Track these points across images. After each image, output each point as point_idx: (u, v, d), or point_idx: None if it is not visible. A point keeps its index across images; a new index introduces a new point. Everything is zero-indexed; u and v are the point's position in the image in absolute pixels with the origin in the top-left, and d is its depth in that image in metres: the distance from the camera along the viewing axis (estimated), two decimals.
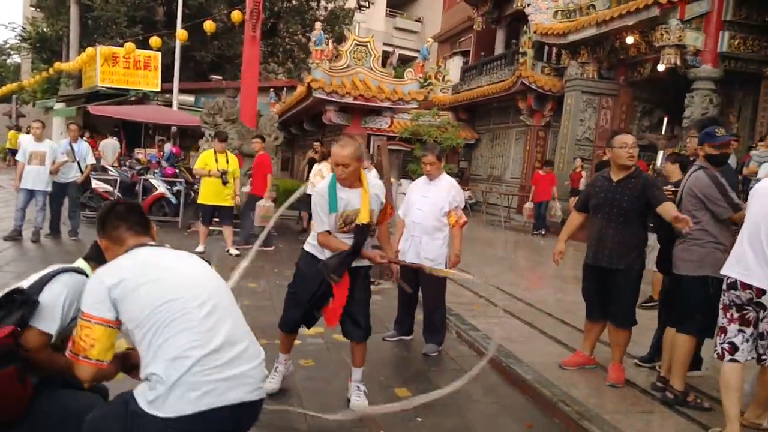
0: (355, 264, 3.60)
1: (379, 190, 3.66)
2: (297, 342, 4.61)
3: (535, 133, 16.11)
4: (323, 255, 3.59)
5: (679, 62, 11.04)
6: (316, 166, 10.12)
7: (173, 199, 11.57)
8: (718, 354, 3.40)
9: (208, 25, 15.88)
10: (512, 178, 17.27)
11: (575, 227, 4.50)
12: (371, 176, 3.70)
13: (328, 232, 3.54)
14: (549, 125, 15.87)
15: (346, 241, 3.53)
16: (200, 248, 8.39)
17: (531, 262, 9.67)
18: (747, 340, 3.33)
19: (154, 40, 17.38)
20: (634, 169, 4.11)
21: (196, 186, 12.07)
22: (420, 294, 5.01)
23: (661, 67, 11.42)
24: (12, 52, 41.05)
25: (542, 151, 16.09)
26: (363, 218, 3.50)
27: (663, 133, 13.48)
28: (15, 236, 8.32)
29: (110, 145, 15.20)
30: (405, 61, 22.88)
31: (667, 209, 3.78)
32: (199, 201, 8.59)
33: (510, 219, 15.10)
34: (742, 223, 3.44)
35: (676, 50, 10.95)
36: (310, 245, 3.72)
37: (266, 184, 9.21)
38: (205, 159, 8.46)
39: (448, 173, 5.18)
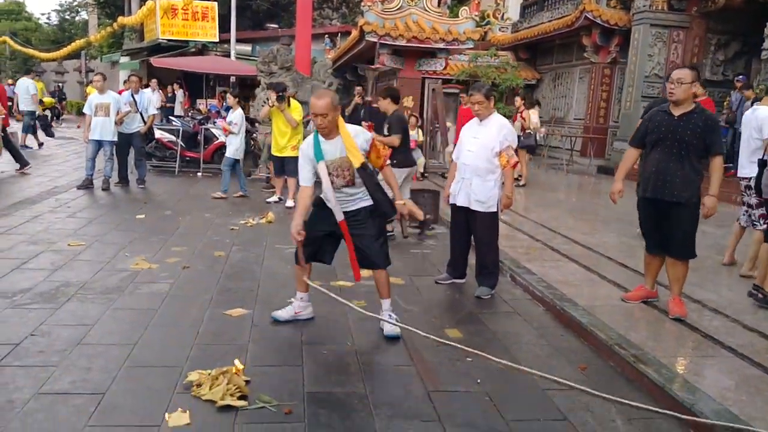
0: (350, 207, 3.74)
1: (357, 137, 3.69)
2: (350, 284, 4.72)
3: (600, 70, 15.37)
4: (330, 203, 3.73)
5: None
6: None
7: None
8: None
9: None
10: (575, 119, 16.64)
11: (632, 164, 4.50)
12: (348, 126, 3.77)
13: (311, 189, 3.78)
14: (615, 62, 15.09)
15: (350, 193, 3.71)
16: (275, 198, 8.56)
17: (592, 206, 9.38)
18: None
19: None
20: (695, 106, 4.12)
21: (255, 135, 12.25)
22: (473, 238, 4.96)
23: None
24: (80, 10, 42.35)
25: (608, 90, 15.37)
26: (357, 161, 3.60)
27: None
28: (87, 185, 8.75)
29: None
30: (461, 0, 22.05)
31: (718, 165, 4.06)
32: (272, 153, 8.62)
33: (572, 162, 14.62)
34: None
35: None
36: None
37: None
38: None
39: (507, 116, 5.04)
